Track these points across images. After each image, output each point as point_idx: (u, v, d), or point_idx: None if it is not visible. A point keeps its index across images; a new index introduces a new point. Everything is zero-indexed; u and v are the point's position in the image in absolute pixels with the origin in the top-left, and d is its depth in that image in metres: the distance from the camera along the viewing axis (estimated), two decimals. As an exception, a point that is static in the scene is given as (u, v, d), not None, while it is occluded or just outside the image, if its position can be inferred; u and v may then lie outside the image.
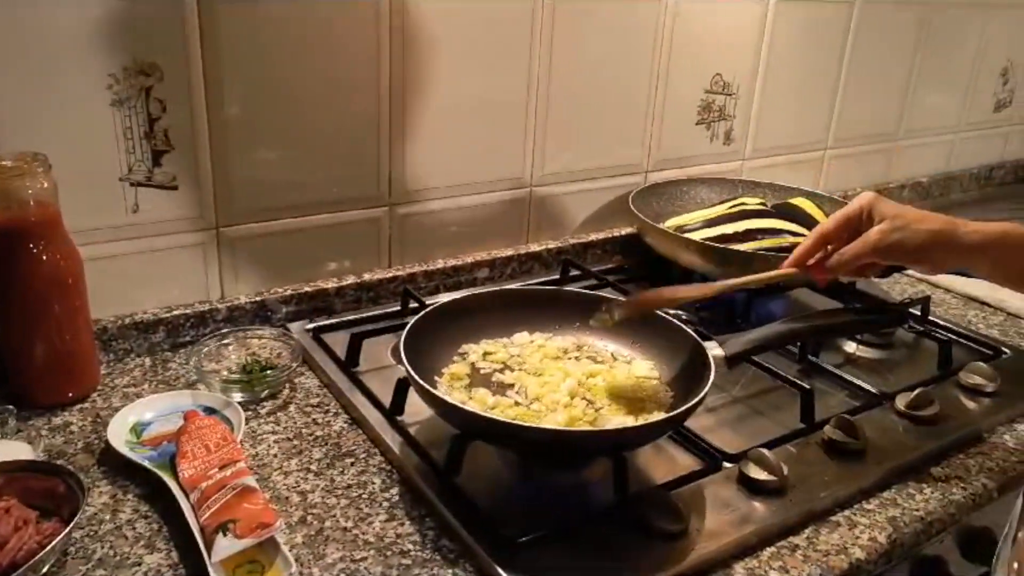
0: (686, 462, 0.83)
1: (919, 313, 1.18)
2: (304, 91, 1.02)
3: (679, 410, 0.75)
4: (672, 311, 1.07)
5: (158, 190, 0.97)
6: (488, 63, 1.15)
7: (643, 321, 0.91)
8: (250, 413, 0.90)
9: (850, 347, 1.11)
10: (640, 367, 0.90)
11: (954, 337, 1.13)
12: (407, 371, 0.77)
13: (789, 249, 1.17)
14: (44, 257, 0.84)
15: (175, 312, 1.01)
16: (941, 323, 1.17)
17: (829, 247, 0.89)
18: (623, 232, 1.38)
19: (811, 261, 0.90)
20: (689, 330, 0.88)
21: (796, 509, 0.77)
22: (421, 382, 0.75)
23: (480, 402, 0.83)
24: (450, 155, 1.17)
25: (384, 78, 1.07)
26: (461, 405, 0.74)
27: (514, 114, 1.20)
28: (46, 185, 0.83)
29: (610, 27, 1.25)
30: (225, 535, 0.67)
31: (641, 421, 0.79)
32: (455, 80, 1.13)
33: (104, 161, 0.93)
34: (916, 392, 0.94)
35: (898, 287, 1.34)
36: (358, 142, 1.09)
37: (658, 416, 0.80)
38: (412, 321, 0.87)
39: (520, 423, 0.72)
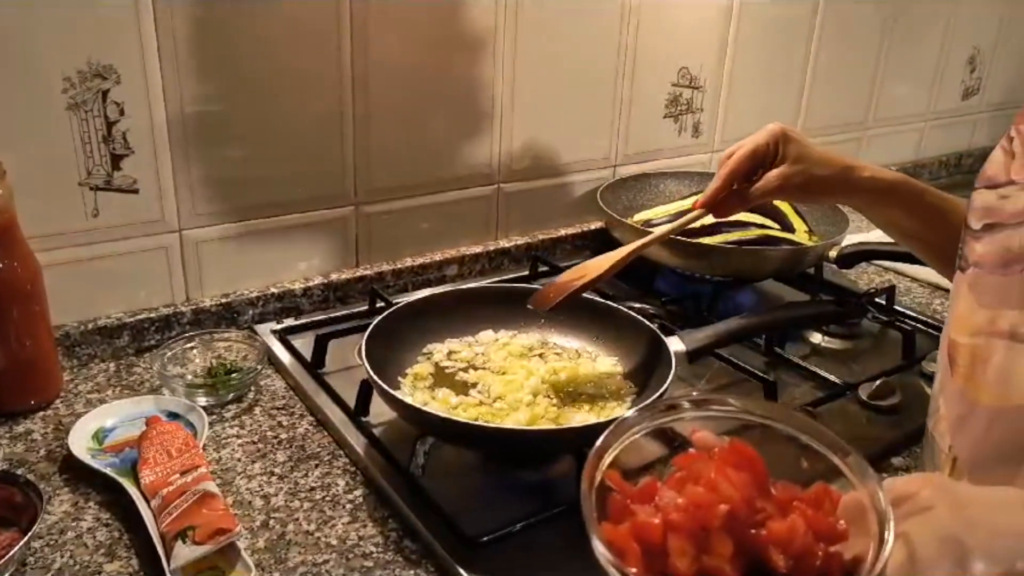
0: (653, 452, 0.84)
1: (884, 302, 1.19)
2: (266, 90, 1.02)
3: (639, 406, 0.75)
4: (637, 305, 1.08)
5: (118, 194, 0.96)
6: (451, 60, 1.15)
7: (573, 308, 0.91)
8: (215, 417, 0.89)
9: (816, 338, 1.12)
10: (603, 363, 0.91)
11: (919, 326, 1.14)
12: (368, 373, 0.77)
13: (755, 241, 1.19)
14: (0, 264, 0.83)
15: (139, 316, 1.01)
16: (907, 312, 1.19)
17: (735, 186, 0.90)
18: (593, 227, 1.38)
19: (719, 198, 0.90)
20: (651, 325, 0.88)
21: (757, 502, 0.78)
22: (381, 384, 0.75)
23: (443, 402, 0.83)
24: (416, 153, 1.17)
25: (347, 76, 1.06)
26: (420, 407, 0.74)
27: (479, 111, 1.20)
28: (0, 192, 0.82)
29: (574, 22, 1.25)
30: (184, 542, 0.67)
31: (603, 418, 0.79)
32: (419, 77, 1.13)
33: (62, 166, 0.92)
34: (878, 382, 0.95)
35: (865, 276, 1.36)
36: (322, 141, 1.08)
37: (620, 412, 0.81)
38: (375, 322, 0.87)
39: (479, 423, 0.73)
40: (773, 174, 0.86)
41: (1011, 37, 1.99)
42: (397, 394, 0.77)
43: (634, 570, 0.37)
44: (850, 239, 1.23)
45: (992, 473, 0.59)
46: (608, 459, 0.43)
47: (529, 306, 0.88)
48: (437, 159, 1.19)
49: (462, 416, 0.78)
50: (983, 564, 0.39)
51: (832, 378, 0.99)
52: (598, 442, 0.44)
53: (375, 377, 0.76)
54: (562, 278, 0.91)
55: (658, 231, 0.92)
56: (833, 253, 1.18)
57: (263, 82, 1.01)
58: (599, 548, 0.38)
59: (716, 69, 1.46)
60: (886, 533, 0.37)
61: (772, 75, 1.56)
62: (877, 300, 1.19)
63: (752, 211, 1.25)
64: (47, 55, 0.87)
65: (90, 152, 0.93)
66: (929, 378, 1.01)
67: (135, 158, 0.96)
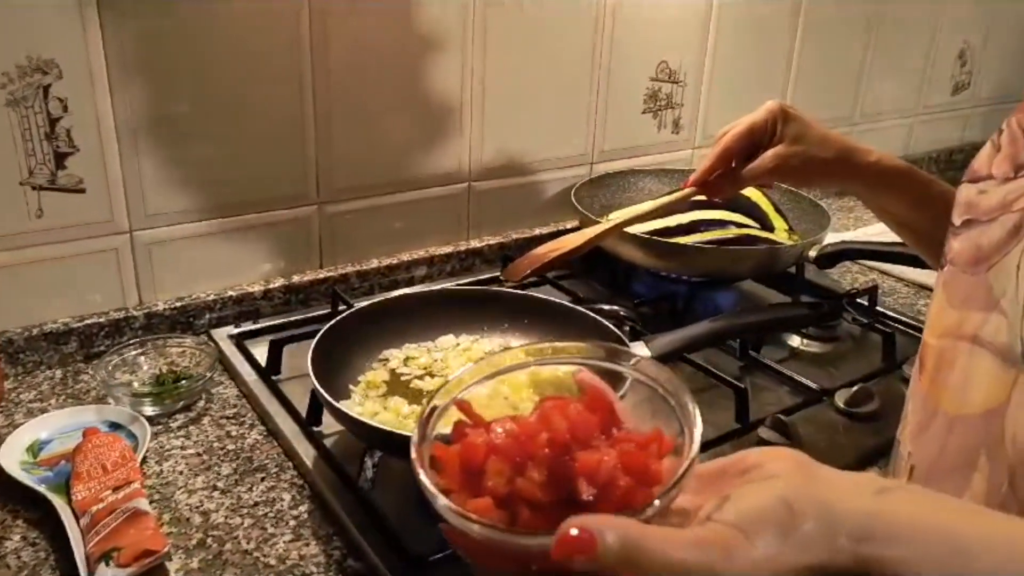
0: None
1: (866, 303, 1.15)
2: (222, 85, 0.98)
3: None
4: (607, 307, 1.04)
5: (63, 193, 0.92)
6: (417, 54, 1.11)
7: (536, 312, 0.88)
8: (160, 427, 0.85)
9: (795, 341, 1.08)
10: (565, 367, 0.87)
11: (901, 328, 1.10)
12: (312, 382, 0.73)
13: (734, 241, 1.15)
14: (-70, 269, 0.79)
15: (88, 321, 0.97)
16: (889, 313, 1.15)
17: (734, 163, 0.86)
18: (569, 226, 1.34)
19: (711, 178, 0.87)
20: (615, 329, 0.84)
21: (723, 516, 0.74)
22: (323, 392, 0.71)
23: (395, 412, 0.79)
24: (382, 151, 1.13)
25: (307, 69, 1.02)
26: (360, 418, 0.70)
27: (447, 107, 1.16)
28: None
29: (547, 14, 1.20)
30: (108, 564, 0.63)
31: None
32: (384, 73, 1.09)
33: (1, 164, 0.88)
34: (855, 388, 0.91)
35: (849, 276, 1.32)
36: (282, 138, 1.04)
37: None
38: (327, 326, 0.83)
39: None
40: (769, 154, 0.82)
41: (1002, 31, 1.95)
42: (342, 404, 0.73)
43: (435, 482, 0.38)
44: (832, 237, 1.19)
45: (945, 483, 0.55)
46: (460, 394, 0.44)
47: (501, 277, 0.84)
48: (404, 157, 1.15)
49: (410, 429, 0.74)
50: (812, 525, 0.36)
51: (808, 383, 0.95)
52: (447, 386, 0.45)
53: (317, 385, 0.72)
54: (537, 250, 0.87)
55: (641, 206, 0.88)
56: (813, 252, 1.14)
57: (219, 77, 0.97)
58: (415, 465, 0.39)
59: (697, 63, 1.42)
60: (692, 444, 0.38)
61: (755, 68, 1.52)
62: (859, 300, 1.15)
63: (731, 209, 1.22)
64: (-18, 49, 0.84)
65: (32, 150, 0.89)
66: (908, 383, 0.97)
67: (80, 156, 0.92)
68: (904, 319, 1.13)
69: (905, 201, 0.81)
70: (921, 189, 0.80)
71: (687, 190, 0.88)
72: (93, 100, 0.91)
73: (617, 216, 0.86)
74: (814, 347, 1.07)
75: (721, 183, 0.86)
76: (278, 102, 1.02)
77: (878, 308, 1.15)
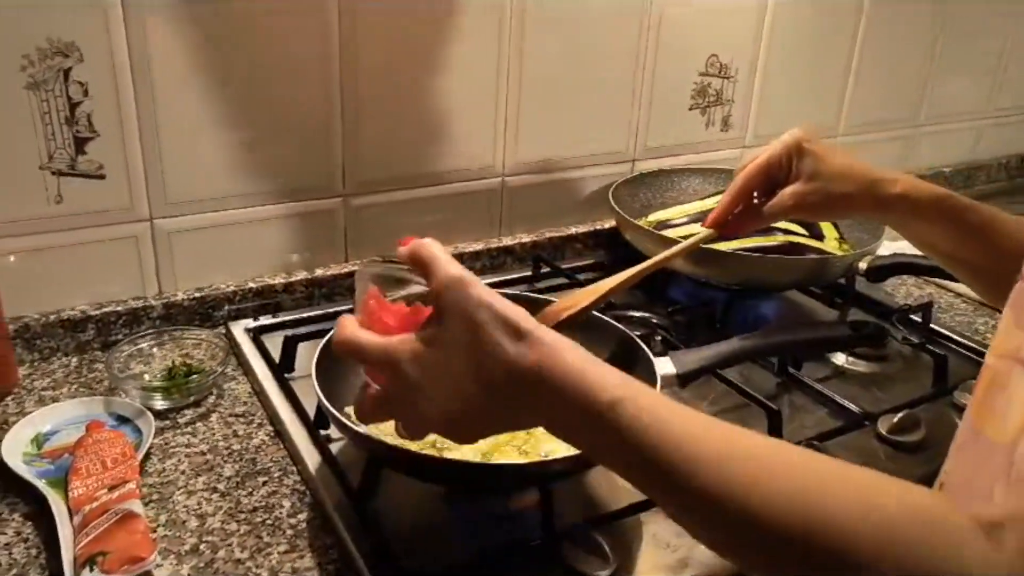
0: (628, 490, 0.75)
1: (920, 320, 1.08)
2: (246, 71, 0.95)
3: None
4: (638, 314, 0.99)
5: (83, 179, 0.91)
6: (450, 42, 1.07)
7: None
8: (168, 422, 0.83)
9: (839, 358, 1.01)
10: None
11: (956, 348, 1.03)
12: (315, 387, 0.70)
13: (779, 249, 1.09)
14: (-58, 253, 0.78)
15: (105, 309, 0.95)
16: (944, 332, 1.07)
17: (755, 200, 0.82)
18: (607, 225, 1.29)
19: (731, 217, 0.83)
20: (641, 344, 0.79)
21: (745, 551, 0.68)
22: (325, 402, 0.68)
23: (403, 420, 0.75)
24: (411, 143, 1.09)
25: (334, 56, 0.99)
26: (361, 431, 0.66)
27: (481, 99, 1.12)
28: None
29: (590, 3, 1.15)
30: (92, 570, 0.60)
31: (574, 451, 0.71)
32: (414, 62, 1.05)
33: (21, 148, 0.86)
34: (901, 414, 0.85)
35: (903, 288, 1.24)
36: (307, 127, 1.01)
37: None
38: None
39: (428, 454, 0.65)
40: (787, 192, 0.78)
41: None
42: (348, 410, 0.70)
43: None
44: (886, 249, 1.12)
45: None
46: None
47: None
48: (434, 149, 1.11)
49: (411, 445, 0.70)
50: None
51: (850, 406, 0.89)
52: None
53: (319, 391, 0.69)
54: (551, 308, 0.82)
55: (657, 258, 0.83)
56: (864, 264, 1.07)
57: (244, 64, 0.94)
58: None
59: (750, 57, 1.35)
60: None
61: (812, 64, 1.44)
62: (912, 317, 1.08)
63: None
64: (4, 31, 0.82)
65: (52, 135, 0.87)
66: (961, 411, 0.89)
67: (101, 142, 0.90)
68: (960, 339, 1.05)
69: (938, 232, 0.76)
70: (956, 219, 0.74)
71: (706, 231, 0.84)
72: (114, 85, 0.89)
73: (621, 275, 0.79)
74: (860, 366, 1.00)
75: (741, 221, 0.83)
76: (304, 91, 0.99)
77: (932, 326, 1.07)
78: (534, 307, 0.60)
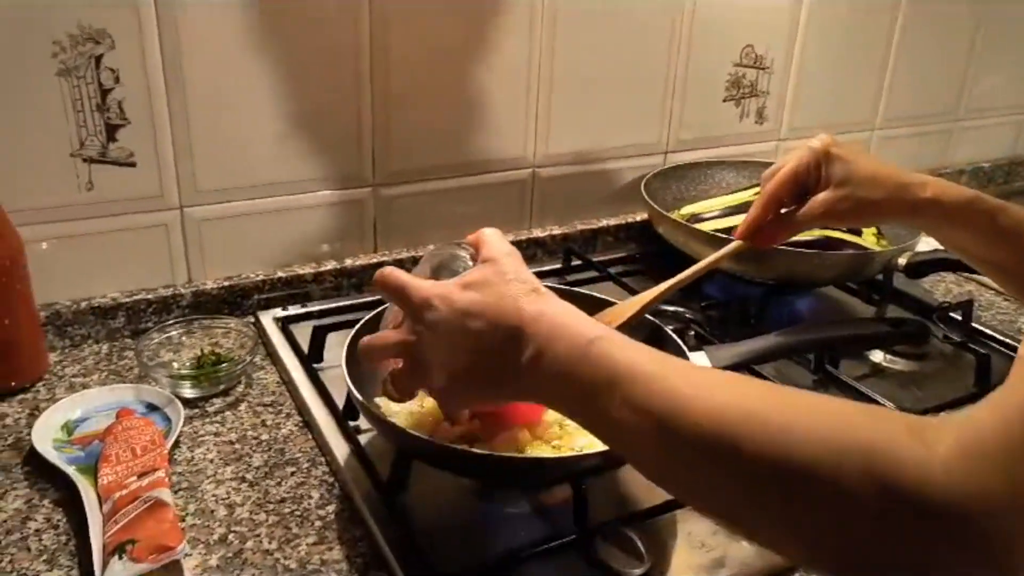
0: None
1: (960, 318, 1.05)
2: (276, 59, 0.94)
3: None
4: (672, 308, 0.97)
5: (114, 167, 0.90)
6: (482, 31, 1.05)
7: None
8: (197, 411, 0.83)
9: (877, 356, 0.98)
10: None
11: (998, 347, 1.00)
12: (345, 379, 0.69)
13: (815, 244, 1.06)
14: (-25, 239, 0.78)
15: (136, 297, 0.95)
16: (985, 331, 1.04)
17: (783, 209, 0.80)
18: (639, 218, 1.27)
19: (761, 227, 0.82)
20: (676, 338, 0.77)
21: (782, 552, 0.67)
22: (355, 392, 0.67)
23: (432, 412, 0.74)
24: (442, 133, 1.08)
25: (364, 46, 0.98)
26: (391, 421, 0.65)
27: (513, 90, 1.10)
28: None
29: (624, -7, 1.13)
30: (121, 558, 0.60)
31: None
32: (447, 51, 1.04)
33: (52, 135, 0.86)
34: (942, 414, 0.82)
35: (943, 286, 1.21)
36: (337, 117, 1.00)
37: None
38: (368, 316, 0.78)
39: (458, 448, 0.64)
40: (817, 200, 0.77)
41: None
42: (378, 400, 0.69)
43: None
44: (925, 245, 1.09)
45: None
46: None
47: None
48: (464, 140, 1.10)
49: (440, 439, 0.69)
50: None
51: (890, 405, 0.86)
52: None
53: (349, 381, 0.68)
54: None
55: (683, 274, 0.81)
56: (903, 260, 1.04)
57: (273, 52, 0.94)
58: None
59: (786, 48, 1.32)
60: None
61: (850, 56, 1.41)
62: (952, 315, 1.05)
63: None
64: (36, 17, 0.82)
65: (83, 121, 0.87)
66: (1005, 411, 0.87)
67: (131, 129, 0.90)
68: (1002, 338, 1.02)
69: (970, 236, 0.74)
70: (987, 221, 0.72)
71: (736, 243, 0.83)
72: (145, 72, 0.88)
73: (649, 292, 0.78)
74: (899, 364, 0.97)
75: (772, 231, 0.81)
76: (334, 81, 0.98)
77: (973, 324, 1.05)
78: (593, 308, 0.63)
